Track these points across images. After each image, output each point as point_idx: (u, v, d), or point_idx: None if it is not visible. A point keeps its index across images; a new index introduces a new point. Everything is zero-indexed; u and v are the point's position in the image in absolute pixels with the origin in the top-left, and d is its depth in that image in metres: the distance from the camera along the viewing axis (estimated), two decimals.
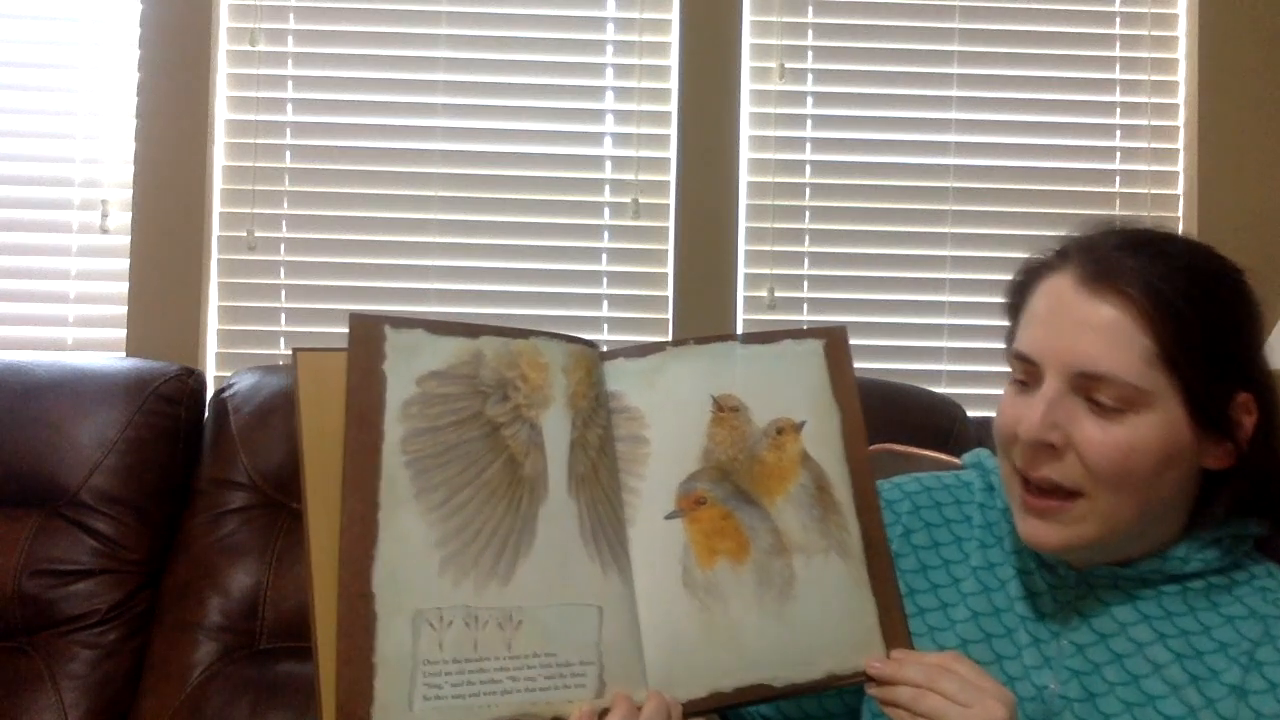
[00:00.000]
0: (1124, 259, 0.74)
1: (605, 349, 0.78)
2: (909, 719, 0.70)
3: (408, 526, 0.64)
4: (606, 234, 1.89)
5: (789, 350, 0.79)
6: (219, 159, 1.87)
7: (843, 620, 0.74)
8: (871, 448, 0.81)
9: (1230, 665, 0.73)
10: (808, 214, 1.90)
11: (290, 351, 1.98)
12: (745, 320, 1.87)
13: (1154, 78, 1.92)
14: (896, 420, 1.52)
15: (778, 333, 0.80)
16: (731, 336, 0.80)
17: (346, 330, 0.68)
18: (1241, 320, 0.75)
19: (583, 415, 0.72)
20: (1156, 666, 0.75)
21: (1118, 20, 1.93)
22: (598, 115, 1.90)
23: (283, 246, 1.86)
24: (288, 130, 1.87)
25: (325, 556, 0.63)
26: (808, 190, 1.90)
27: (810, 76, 1.91)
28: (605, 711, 0.67)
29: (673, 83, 1.88)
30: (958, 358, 1.89)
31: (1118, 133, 1.92)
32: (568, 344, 0.73)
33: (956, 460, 0.96)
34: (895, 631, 0.76)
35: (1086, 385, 0.72)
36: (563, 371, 0.71)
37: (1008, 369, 0.81)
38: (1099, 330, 0.72)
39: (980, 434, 1.53)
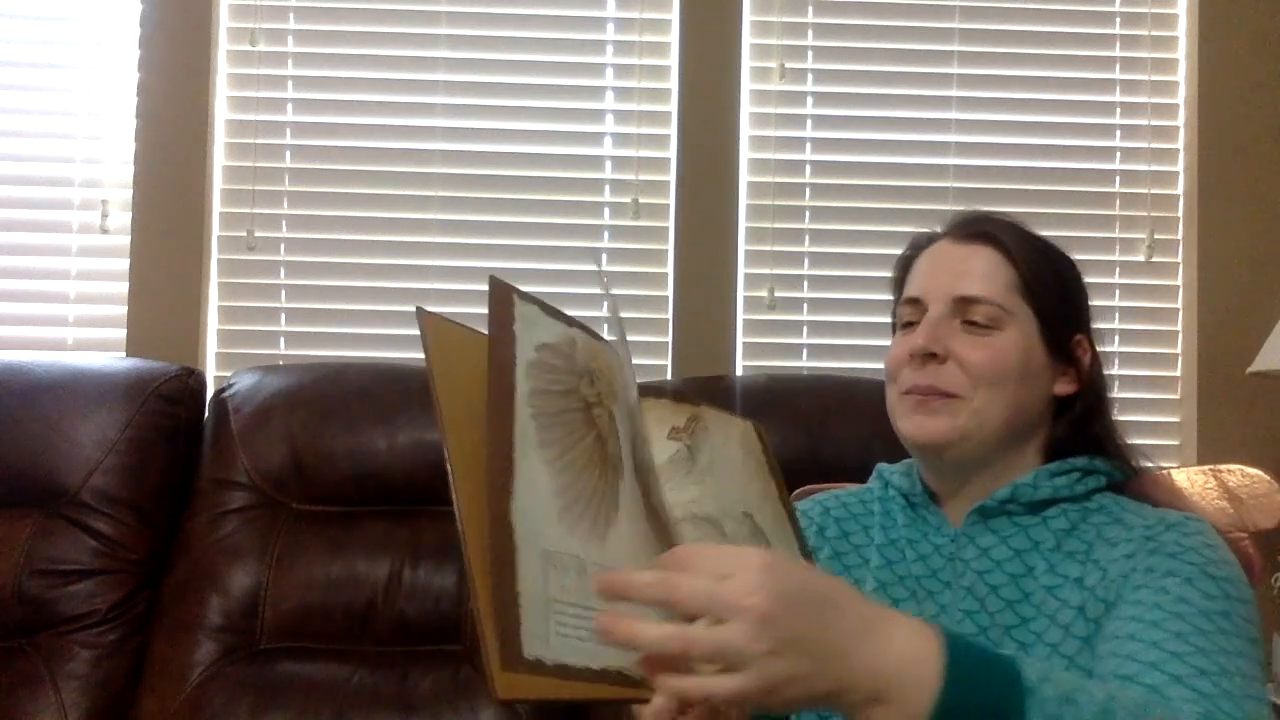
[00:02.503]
0: (986, 222, 0.95)
1: None
2: (682, 630, 0.57)
3: (535, 471, 0.67)
4: (606, 234, 1.89)
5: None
6: (219, 159, 1.87)
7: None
8: (796, 491, 0.99)
9: (1073, 565, 0.87)
10: (808, 214, 1.90)
11: (289, 351, 1.97)
12: (745, 320, 1.87)
13: (1154, 78, 1.92)
14: None
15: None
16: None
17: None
18: (1077, 284, 0.95)
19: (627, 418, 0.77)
20: (1026, 594, 0.87)
21: (1118, 20, 1.93)
22: (598, 115, 1.90)
23: (283, 246, 1.86)
24: (288, 130, 1.87)
25: (469, 492, 0.64)
26: (808, 190, 1.90)
27: (810, 76, 1.91)
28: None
29: (673, 83, 1.88)
30: None
31: (1118, 133, 1.92)
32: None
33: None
34: None
35: (963, 308, 0.89)
36: (620, 376, 0.78)
37: None
38: (973, 265, 0.91)
39: None
